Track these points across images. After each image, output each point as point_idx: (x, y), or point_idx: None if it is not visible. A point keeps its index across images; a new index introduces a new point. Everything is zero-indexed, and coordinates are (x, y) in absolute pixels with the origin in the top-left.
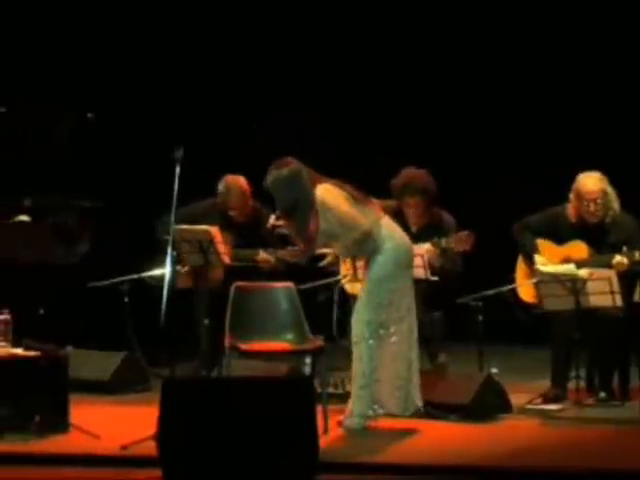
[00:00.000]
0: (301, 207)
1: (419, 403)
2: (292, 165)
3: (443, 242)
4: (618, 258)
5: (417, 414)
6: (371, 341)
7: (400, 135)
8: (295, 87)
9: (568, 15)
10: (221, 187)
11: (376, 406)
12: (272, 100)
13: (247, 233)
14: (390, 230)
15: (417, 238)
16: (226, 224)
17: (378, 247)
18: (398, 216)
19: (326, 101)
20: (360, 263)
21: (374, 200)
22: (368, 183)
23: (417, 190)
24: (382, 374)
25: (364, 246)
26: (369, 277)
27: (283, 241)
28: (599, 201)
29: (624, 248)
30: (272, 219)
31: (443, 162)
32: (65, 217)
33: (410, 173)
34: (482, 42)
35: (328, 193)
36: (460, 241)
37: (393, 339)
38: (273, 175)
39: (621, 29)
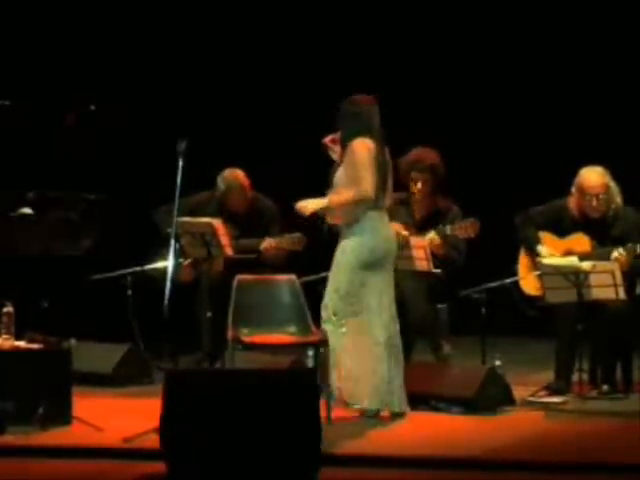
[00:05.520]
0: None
1: (366, 404)
2: (367, 105)
3: (448, 229)
4: (616, 254)
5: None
6: (324, 325)
7: (405, 121)
8: (298, 77)
9: (571, 10)
10: (221, 184)
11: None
12: (274, 91)
13: (246, 224)
14: (373, 224)
15: (421, 226)
16: (225, 216)
17: (350, 231)
18: (404, 205)
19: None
20: None
21: (391, 193)
22: None
23: (426, 167)
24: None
25: (351, 213)
26: (334, 261)
27: (283, 229)
28: (602, 196)
29: (626, 245)
30: (328, 139)
31: (446, 153)
32: (69, 210)
33: (419, 151)
34: (485, 38)
35: (363, 146)
36: (465, 228)
37: (343, 330)
38: (349, 103)
39: (622, 25)
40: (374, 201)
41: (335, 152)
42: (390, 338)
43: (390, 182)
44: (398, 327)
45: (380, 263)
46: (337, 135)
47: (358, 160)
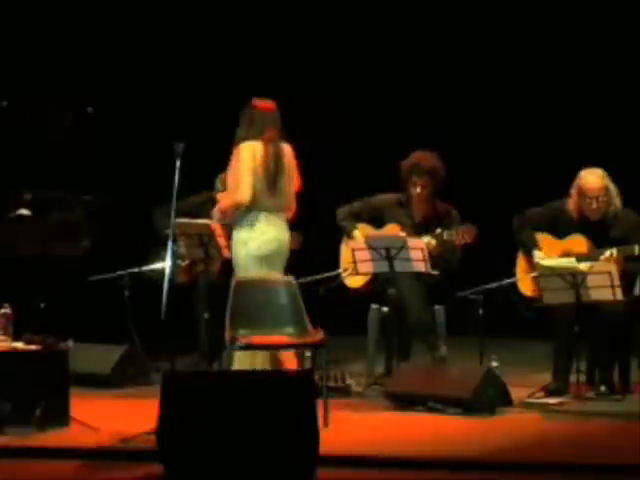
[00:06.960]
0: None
1: None
2: (262, 110)
3: (445, 234)
4: (607, 254)
5: None
6: None
7: (408, 124)
8: (299, 78)
9: (571, 12)
10: (219, 185)
11: None
12: (272, 92)
13: None
14: (258, 224)
15: (420, 229)
16: None
17: (237, 230)
18: (403, 207)
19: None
20: (359, 257)
21: (289, 203)
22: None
23: (426, 171)
24: None
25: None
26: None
27: None
28: (602, 198)
29: (620, 247)
30: None
31: (445, 155)
32: (69, 211)
33: (420, 154)
34: (484, 41)
35: (248, 149)
36: (462, 234)
37: None
38: (246, 107)
39: (621, 26)
40: (258, 203)
41: None
42: None
43: (283, 184)
44: None
45: (267, 260)
46: None
47: (240, 164)
